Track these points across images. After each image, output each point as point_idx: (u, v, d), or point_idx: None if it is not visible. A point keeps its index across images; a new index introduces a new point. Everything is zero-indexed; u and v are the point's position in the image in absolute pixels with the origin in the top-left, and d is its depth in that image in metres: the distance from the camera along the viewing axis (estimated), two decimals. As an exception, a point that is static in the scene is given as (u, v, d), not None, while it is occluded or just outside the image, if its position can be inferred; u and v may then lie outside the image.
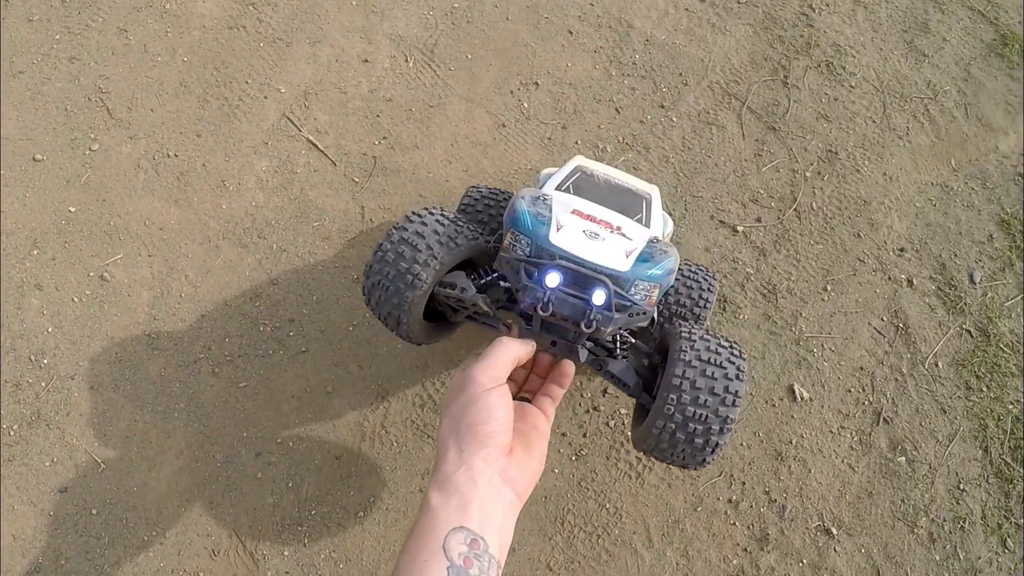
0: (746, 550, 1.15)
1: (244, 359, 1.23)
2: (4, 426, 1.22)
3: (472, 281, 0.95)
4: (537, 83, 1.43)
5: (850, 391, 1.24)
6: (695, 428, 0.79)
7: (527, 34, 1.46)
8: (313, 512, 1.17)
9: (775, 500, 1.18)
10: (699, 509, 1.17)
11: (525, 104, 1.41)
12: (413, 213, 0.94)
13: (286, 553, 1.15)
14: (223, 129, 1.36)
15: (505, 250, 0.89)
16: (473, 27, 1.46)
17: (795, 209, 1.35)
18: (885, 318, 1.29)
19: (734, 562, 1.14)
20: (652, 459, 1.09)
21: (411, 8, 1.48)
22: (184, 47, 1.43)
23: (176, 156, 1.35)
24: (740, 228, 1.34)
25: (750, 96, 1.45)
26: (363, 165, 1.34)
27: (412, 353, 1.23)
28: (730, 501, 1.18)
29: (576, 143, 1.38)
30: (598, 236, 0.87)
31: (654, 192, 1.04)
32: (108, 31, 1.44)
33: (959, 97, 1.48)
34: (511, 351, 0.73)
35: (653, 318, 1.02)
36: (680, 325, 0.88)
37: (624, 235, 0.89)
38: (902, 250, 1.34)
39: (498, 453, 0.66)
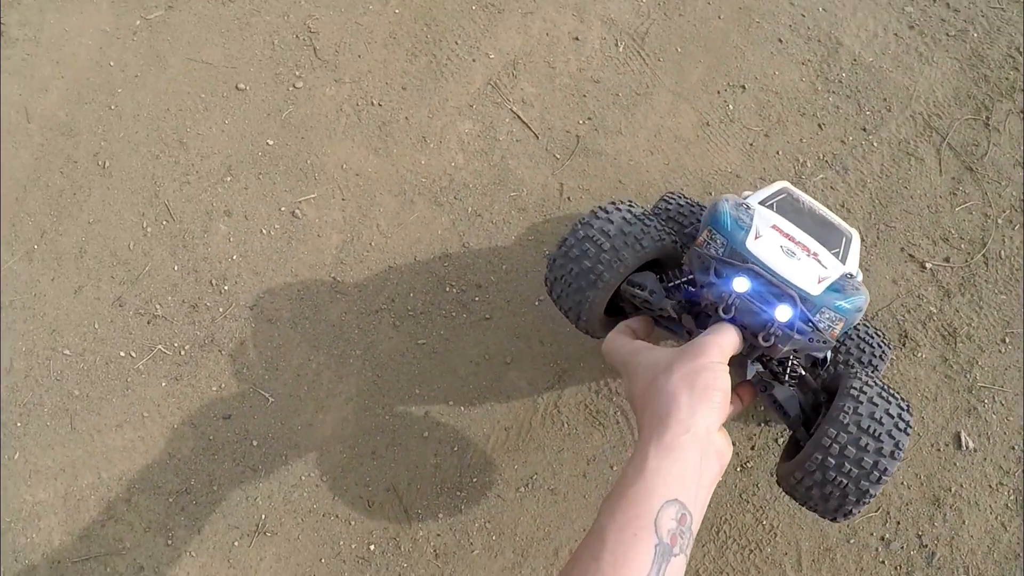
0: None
1: (426, 317, 1.30)
2: (176, 344, 1.30)
3: (660, 283, 1.00)
4: (744, 87, 1.50)
5: (1013, 448, 1.28)
6: (833, 490, 0.80)
7: (737, 36, 1.54)
8: (474, 480, 1.23)
9: (926, 545, 1.22)
10: (852, 541, 1.22)
11: (730, 106, 1.48)
12: (600, 208, 0.99)
13: (440, 515, 1.22)
14: (429, 86, 1.45)
15: (700, 245, 0.94)
16: (685, 21, 1.54)
17: (984, 255, 1.40)
18: (1048, 390, 1.34)
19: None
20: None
21: (624, -7, 1.57)
22: (396, -1, 1.53)
23: (380, 105, 1.44)
24: (928, 265, 1.39)
25: (951, 132, 1.51)
26: (566, 142, 1.42)
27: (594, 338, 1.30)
28: (883, 539, 1.23)
29: (777, 153, 1.45)
30: (794, 255, 0.91)
31: (855, 234, 1.08)
32: (322, -28, 1.54)
33: None
34: (733, 336, 0.79)
35: (827, 357, 1.08)
36: (857, 373, 0.89)
37: (820, 262, 0.93)
38: (1078, 318, 1.39)
39: (720, 422, 0.71)
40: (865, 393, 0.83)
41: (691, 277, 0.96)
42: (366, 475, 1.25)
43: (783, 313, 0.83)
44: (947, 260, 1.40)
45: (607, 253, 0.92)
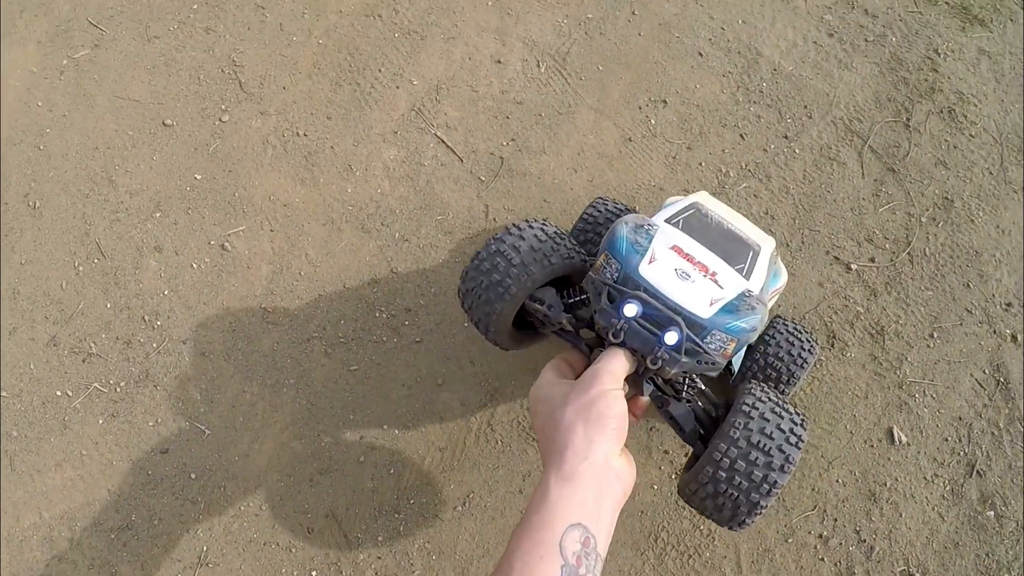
0: (841, 582, 1.29)
1: (357, 343, 1.39)
2: (112, 381, 1.38)
3: (563, 299, 1.06)
4: (665, 101, 1.60)
5: (947, 440, 1.38)
6: (725, 501, 0.86)
7: (658, 51, 1.64)
8: (412, 501, 1.32)
9: (864, 540, 1.32)
10: (790, 541, 1.30)
11: (652, 120, 1.58)
12: (514, 225, 1.06)
13: (380, 538, 1.30)
14: (353, 114, 1.55)
15: (595, 271, 0.99)
16: (606, 39, 1.64)
17: (908, 253, 1.50)
18: (987, 371, 1.43)
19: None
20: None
21: (546, 14, 1.67)
22: (320, 30, 1.62)
23: (305, 136, 1.53)
24: (854, 266, 1.49)
25: (872, 135, 1.62)
26: (490, 164, 1.51)
27: (524, 355, 1.39)
28: (820, 536, 1.32)
29: (700, 164, 1.55)
30: (688, 277, 0.96)
31: (766, 244, 1.13)
32: (246, 6, 1.64)
33: (1081, 157, 1.64)
34: (622, 360, 0.86)
35: (731, 371, 1.15)
36: (752, 389, 0.92)
37: (716, 282, 0.98)
38: (1009, 305, 1.48)
39: (619, 448, 0.77)
40: (757, 408, 0.88)
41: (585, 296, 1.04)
42: (304, 502, 1.33)
43: (671, 337, 0.89)
44: (872, 260, 1.50)
45: (516, 268, 0.97)
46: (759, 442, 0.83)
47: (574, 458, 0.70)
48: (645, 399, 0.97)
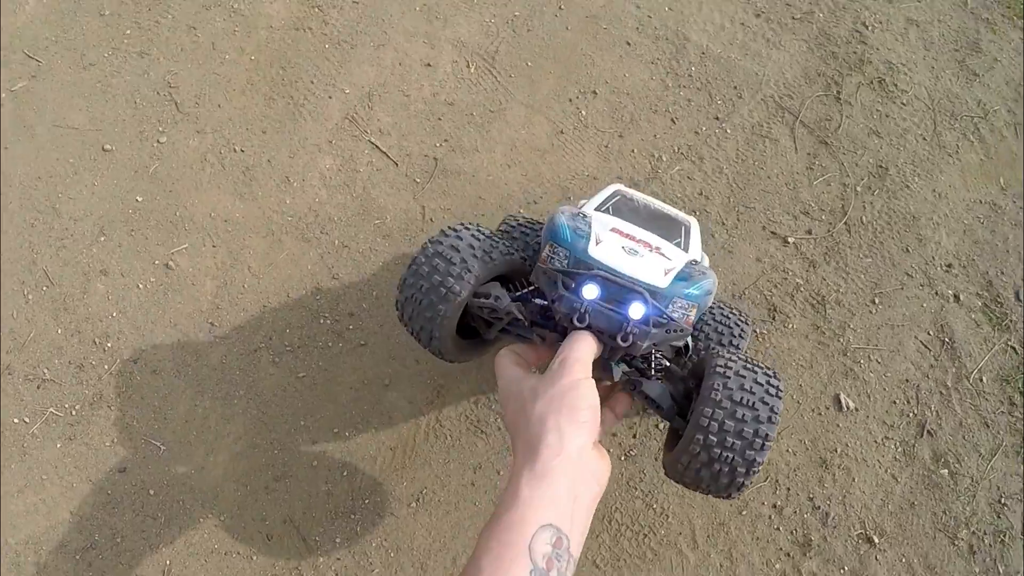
0: (789, 555, 1.35)
1: (304, 350, 1.46)
2: (67, 405, 1.45)
3: (507, 293, 1.06)
4: (595, 92, 1.67)
5: (895, 403, 1.45)
6: (721, 467, 0.86)
7: (586, 44, 1.71)
8: (366, 501, 1.38)
9: (819, 507, 1.38)
10: (744, 513, 1.36)
11: (583, 112, 1.64)
12: (448, 227, 1.08)
13: (338, 540, 1.36)
14: (288, 127, 1.61)
15: (543, 262, 1.01)
16: (533, 35, 1.71)
17: (845, 223, 1.57)
18: (931, 332, 1.50)
19: (777, 566, 1.34)
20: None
21: (473, 15, 1.73)
22: (251, 46, 1.69)
23: (242, 151, 1.60)
24: (791, 239, 1.56)
25: (803, 111, 1.68)
26: (424, 166, 1.58)
27: (468, 351, 1.46)
28: (774, 506, 1.38)
29: (632, 151, 1.62)
30: (637, 253, 0.99)
31: (693, 222, 1.19)
32: (178, 28, 1.70)
33: (1009, 117, 1.70)
34: (590, 344, 0.83)
35: (688, 344, 1.19)
36: (718, 352, 0.92)
37: (663, 255, 1.01)
38: (949, 266, 1.55)
39: (592, 442, 0.75)
40: (731, 368, 0.87)
41: (536, 287, 1.04)
42: (262, 510, 1.39)
43: (636, 311, 0.91)
44: (809, 232, 1.56)
45: (457, 266, 0.97)
46: (742, 399, 0.83)
47: (547, 453, 0.68)
48: (627, 397, 0.98)
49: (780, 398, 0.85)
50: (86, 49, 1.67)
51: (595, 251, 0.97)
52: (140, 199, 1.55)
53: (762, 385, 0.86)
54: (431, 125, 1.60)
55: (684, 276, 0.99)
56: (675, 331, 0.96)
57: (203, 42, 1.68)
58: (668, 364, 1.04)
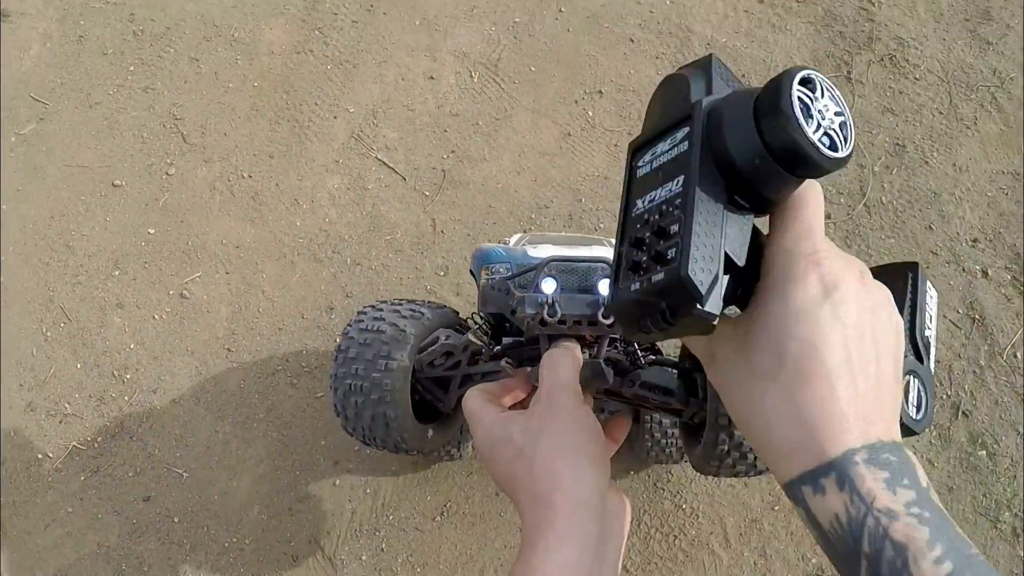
0: (826, 549, 1.35)
1: (321, 370, 1.48)
2: (90, 438, 1.49)
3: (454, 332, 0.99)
4: (601, 91, 1.69)
5: (928, 390, 1.44)
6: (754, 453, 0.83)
7: (589, 44, 1.74)
8: (391, 517, 1.39)
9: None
10: (776, 508, 1.35)
11: (590, 113, 1.67)
12: (364, 307, 1.04)
13: (364, 558, 1.37)
14: (295, 150, 1.65)
15: (484, 286, 0.95)
16: (535, 40, 1.74)
17: (865, 204, 1.57)
18: (961, 310, 1.49)
19: (813, 561, 1.33)
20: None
21: (473, 25, 1.77)
22: (254, 73, 1.74)
23: (250, 177, 1.64)
24: (810, 227, 1.57)
25: (816, 97, 1.70)
26: (433, 179, 1.61)
27: (485, 360, 1.47)
28: (811, 500, 1.38)
29: (642, 153, 1.64)
30: (575, 245, 0.96)
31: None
32: (180, 61, 1.76)
33: (1029, 85, 1.70)
34: (568, 358, 0.67)
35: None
36: None
37: (605, 243, 0.99)
38: (975, 241, 1.54)
39: (608, 476, 0.61)
40: None
41: (485, 321, 0.99)
42: (286, 531, 1.41)
43: (605, 287, 0.85)
44: (828, 217, 1.57)
45: (388, 332, 0.92)
46: None
47: (564, 506, 0.56)
48: (627, 419, 0.82)
49: None
50: (91, 88, 1.73)
51: (536, 252, 0.95)
52: (152, 231, 1.59)
53: None
54: (437, 137, 1.64)
55: None
56: None
57: (206, 72, 1.73)
58: (656, 356, 0.98)
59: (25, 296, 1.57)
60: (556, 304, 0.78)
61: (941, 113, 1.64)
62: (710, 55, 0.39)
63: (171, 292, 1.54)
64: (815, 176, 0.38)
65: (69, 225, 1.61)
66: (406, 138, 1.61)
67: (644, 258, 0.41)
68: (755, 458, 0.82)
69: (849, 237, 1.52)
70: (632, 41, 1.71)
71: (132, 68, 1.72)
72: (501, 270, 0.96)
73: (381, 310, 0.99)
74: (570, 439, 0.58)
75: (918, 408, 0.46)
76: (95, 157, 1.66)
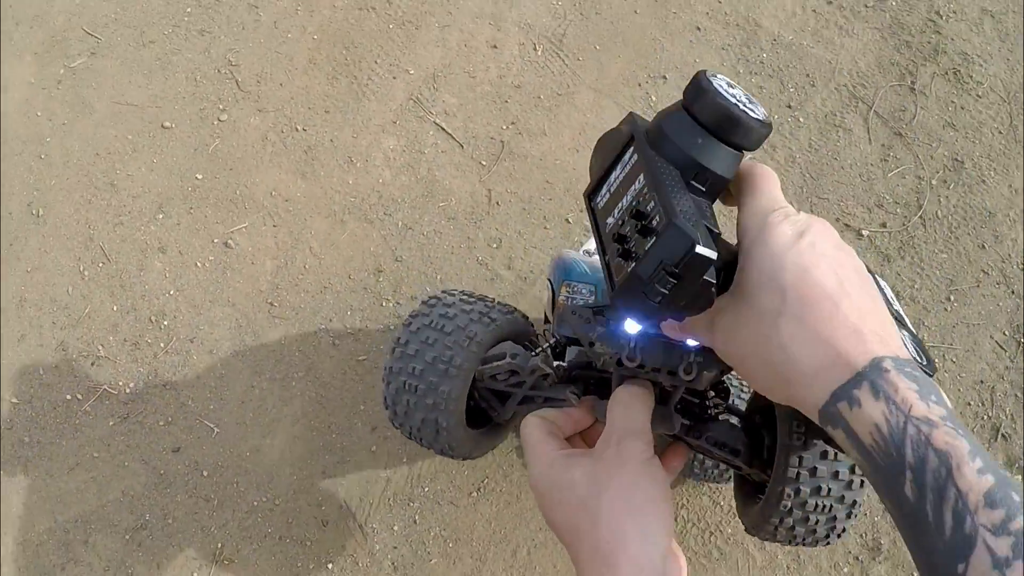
0: (857, 558, 1.33)
1: (365, 333, 1.47)
2: (121, 383, 1.47)
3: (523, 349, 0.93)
4: (665, 77, 1.68)
5: (969, 404, 1.43)
6: (818, 517, 0.76)
7: (655, 28, 1.72)
8: (426, 489, 1.38)
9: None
10: (818, 515, 1.36)
11: (653, 97, 1.65)
12: (431, 298, 0.95)
13: (396, 528, 1.36)
14: (351, 107, 1.63)
15: (560, 306, 0.92)
16: (601, 19, 1.72)
17: (920, 216, 1.56)
18: (1007, 332, 1.48)
19: (845, 570, 1.32)
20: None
21: (540, -2, 1.75)
22: (314, 25, 1.72)
23: (304, 131, 1.62)
24: (865, 232, 1.55)
25: (877, 100, 1.68)
26: (491, 149, 1.59)
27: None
28: (852, 504, 1.37)
29: (704, 142, 1.63)
30: None
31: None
32: (239, 7, 1.73)
33: (1092, 113, 1.69)
34: (640, 401, 0.65)
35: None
36: None
37: None
38: (1027, 264, 1.54)
39: (673, 530, 0.58)
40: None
41: (555, 341, 0.92)
42: (318, 495, 1.40)
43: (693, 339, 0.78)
44: (884, 226, 1.56)
45: (452, 335, 0.87)
46: (827, 471, 0.71)
47: (630, 568, 0.54)
48: (685, 450, 0.77)
49: None
50: (146, 26, 1.70)
51: None
52: (200, 176, 1.57)
53: None
54: (498, 107, 1.62)
55: None
56: None
57: (265, 20, 1.71)
58: (725, 403, 0.90)
59: (64, 232, 1.55)
60: (637, 348, 0.69)
61: (1001, 133, 1.63)
62: (630, 112, 0.49)
63: (215, 240, 1.52)
64: (749, 144, 0.46)
65: (115, 164, 1.58)
66: (465, 105, 1.59)
67: (632, 244, 0.44)
68: (816, 523, 0.76)
69: (903, 248, 1.51)
70: (699, 29, 1.70)
71: (189, 9, 1.70)
72: (584, 292, 0.93)
73: (450, 306, 0.93)
74: (640, 495, 0.57)
75: (919, 354, 0.48)
76: (145, 97, 1.63)
